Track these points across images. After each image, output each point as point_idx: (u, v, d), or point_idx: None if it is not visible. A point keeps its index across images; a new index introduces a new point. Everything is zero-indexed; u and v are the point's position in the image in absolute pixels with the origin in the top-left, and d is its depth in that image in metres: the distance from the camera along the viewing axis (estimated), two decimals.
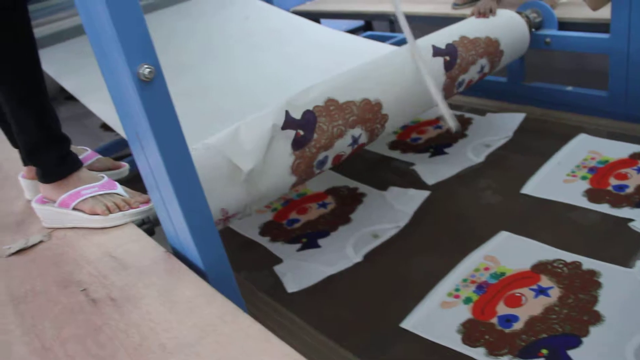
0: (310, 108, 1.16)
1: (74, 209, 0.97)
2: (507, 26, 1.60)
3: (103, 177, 1.02)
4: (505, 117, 1.70)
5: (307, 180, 1.21)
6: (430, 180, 1.47)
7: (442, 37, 1.45)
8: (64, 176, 0.98)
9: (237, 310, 0.70)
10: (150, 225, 1.00)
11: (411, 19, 2.14)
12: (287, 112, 1.13)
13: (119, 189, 1.01)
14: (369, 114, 1.22)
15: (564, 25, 1.73)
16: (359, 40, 1.82)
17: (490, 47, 1.51)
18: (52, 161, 0.97)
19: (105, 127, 2.20)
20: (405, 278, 1.17)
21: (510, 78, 1.84)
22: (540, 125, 1.64)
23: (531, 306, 1.02)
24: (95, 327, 0.74)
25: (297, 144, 1.12)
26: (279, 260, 1.30)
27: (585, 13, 1.66)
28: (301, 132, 1.13)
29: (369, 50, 1.71)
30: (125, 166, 1.22)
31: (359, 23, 2.87)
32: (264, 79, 1.59)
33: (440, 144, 1.63)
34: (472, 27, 1.53)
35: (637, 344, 0.89)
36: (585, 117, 1.62)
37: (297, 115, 1.14)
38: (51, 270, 0.90)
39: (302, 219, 1.41)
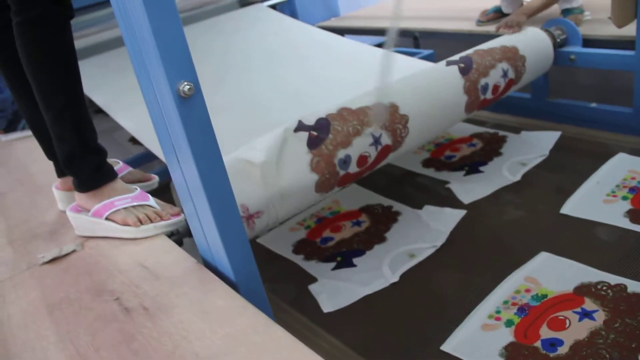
0: (323, 115, 1.20)
1: (107, 219, 1.00)
2: (531, 42, 1.61)
3: (136, 189, 1.05)
4: (540, 135, 1.67)
5: (337, 186, 1.21)
6: (466, 199, 1.44)
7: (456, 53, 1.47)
8: (99, 186, 1.01)
9: (268, 321, 0.71)
10: (179, 237, 1.02)
11: (436, 35, 2.18)
12: (299, 121, 1.17)
13: (151, 201, 1.03)
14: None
15: (588, 42, 1.73)
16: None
17: (509, 53, 1.52)
18: (89, 171, 1.00)
19: (134, 141, 2.24)
20: (443, 299, 1.14)
21: (535, 94, 1.84)
22: (575, 144, 1.61)
23: (576, 330, 0.97)
24: (128, 335, 0.75)
25: (312, 143, 1.14)
26: (313, 279, 1.28)
27: (610, 30, 1.66)
28: (315, 133, 1.15)
29: (398, 64, 1.73)
30: (155, 178, 1.24)
31: (383, 39, 2.89)
32: (287, 95, 1.61)
33: (475, 162, 1.61)
34: (489, 43, 1.55)
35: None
36: (621, 136, 1.59)
37: (310, 122, 1.18)
38: (84, 279, 0.92)
39: (336, 237, 1.40)
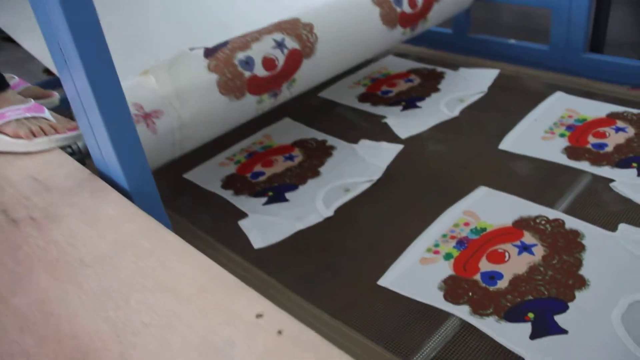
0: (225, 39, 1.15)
1: None
2: None
3: (30, 100, 0.98)
4: (479, 72, 1.65)
5: (251, 92, 1.13)
6: (403, 133, 1.39)
7: None
8: None
9: (158, 226, 0.69)
10: (80, 156, 0.97)
11: None
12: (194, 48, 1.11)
13: (47, 113, 0.97)
14: (288, 25, 1.20)
15: None
16: None
17: None
18: None
19: (49, 72, 2.09)
20: (381, 234, 1.10)
21: (456, 30, 1.85)
22: (512, 82, 1.60)
23: (515, 264, 0.96)
24: (13, 245, 0.71)
25: (208, 53, 1.09)
26: (243, 215, 1.20)
27: None
28: (210, 47, 1.11)
29: None
30: (55, 95, 1.17)
31: None
32: (206, 18, 1.54)
33: (412, 97, 1.57)
34: None
35: (623, 308, 0.86)
36: (560, 75, 1.59)
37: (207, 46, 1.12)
38: None
39: (267, 172, 1.32)
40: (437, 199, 1.14)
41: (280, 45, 1.16)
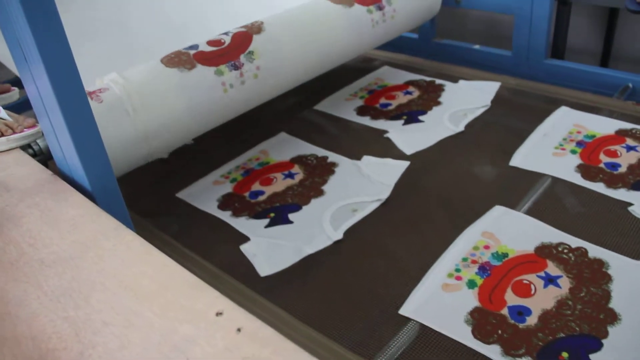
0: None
1: None
2: None
3: None
4: (479, 85, 1.60)
5: (200, 61, 1.13)
6: (408, 149, 1.33)
7: None
8: None
9: (120, 227, 0.69)
10: (42, 157, 0.96)
11: None
12: None
13: (2, 112, 0.94)
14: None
15: None
16: None
17: None
18: None
19: None
20: (395, 257, 1.03)
21: (422, 35, 1.87)
22: (513, 95, 1.56)
23: (542, 297, 0.91)
24: None
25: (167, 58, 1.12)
26: (244, 238, 1.10)
27: None
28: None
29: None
30: (13, 90, 1.15)
31: None
32: (165, 24, 1.54)
33: (413, 111, 1.50)
34: None
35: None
36: (565, 90, 1.54)
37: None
38: None
39: (267, 191, 1.24)
40: (452, 219, 1.10)
41: (225, 33, 1.18)
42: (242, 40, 1.19)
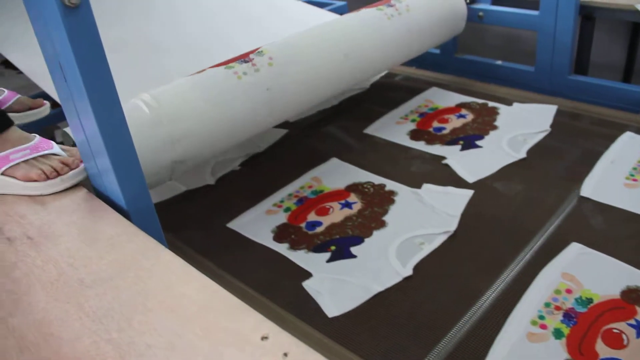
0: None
1: (3, 174, 0.87)
2: (450, 15, 1.63)
3: (35, 137, 0.91)
4: (535, 108, 1.55)
5: None
6: (470, 177, 1.27)
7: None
8: None
9: (158, 246, 0.69)
10: None
11: None
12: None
13: (55, 147, 0.90)
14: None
15: (497, 0, 1.78)
16: (299, 4, 1.82)
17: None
18: None
19: (7, 64, 1.93)
20: (470, 296, 0.96)
21: (443, 50, 1.88)
22: (571, 119, 1.50)
23: (636, 348, 0.87)
24: (9, 264, 0.71)
25: None
26: (305, 274, 1.04)
27: None
28: None
29: (311, 17, 1.72)
30: (46, 104, 1.15)
31: None
32: (212, 38, 1.56)
33: (469, 135, 1.44)
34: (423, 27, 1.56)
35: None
36: (629, 115, 1.47)
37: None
38: None
39: (324, 222, 1.17)
40: (525, 255, 1.04)
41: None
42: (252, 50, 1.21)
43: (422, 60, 1.91)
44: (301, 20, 1.66)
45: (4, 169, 0.86)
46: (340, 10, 2.01)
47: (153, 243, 0.70)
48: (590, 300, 0.94)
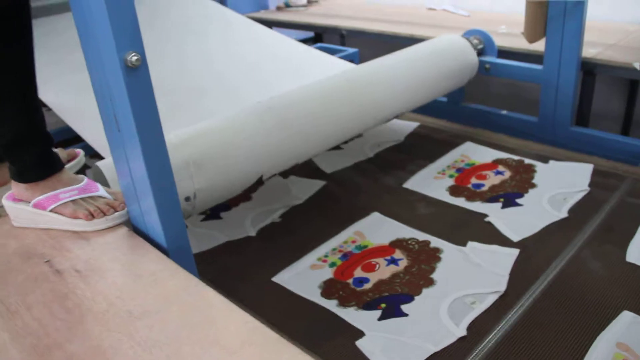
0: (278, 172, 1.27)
1: (52, 211, 0.93)
2: (457, 52, 1.73)
3: (83, 178, 0.98)
4: (571, 166, 1.56)
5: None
6: (514, 236, 1.27)
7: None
8: (43, 177, 0.94)
9: (199, 283, 0.76)
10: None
11: (362, 34, 2.28)
12: (260, 177, 1.21)
13: (101, 190, 0.97)
14: None
15: (502, 53, 1.87)
16: (313, 52, 1.92)
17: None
18: (33, 160, 0.92)
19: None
20: (518, 356, 0.96)
21: (450, 99, 1.97)
22: (608, 178, 1.50)
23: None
24: (61, 295, 0.78)
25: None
26: (356, 332, 1.03)
27: (522, 44, 1.80)
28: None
29: (324, 64, 1.81)
30: (80, 154, 1.21)
31: (309, 34, 2.96)
32: (217, 84, 1.65)
33: (508, 193, 1.46)
34: (437, 81, 1.65)
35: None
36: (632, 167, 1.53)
37: (265, 177, 1.23)
38: (11, 243, 0.92)
39: (371, 278, 1.17)
40: (575, 321, 1.03)
41: None
42: None
43: (428, 108, 1.99)
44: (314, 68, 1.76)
45: (53, 206, 0.93)
46: (352, 57, 2.11)
47: (194, 280, 0.77)
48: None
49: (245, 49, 1.91)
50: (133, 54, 0.72)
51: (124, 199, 0.91)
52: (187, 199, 1.06)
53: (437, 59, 1.66)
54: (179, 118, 1.39)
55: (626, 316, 1.02)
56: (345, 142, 1.79)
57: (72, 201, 0.93)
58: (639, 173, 1.50)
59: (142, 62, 0.73)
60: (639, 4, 2.08)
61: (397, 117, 1.57)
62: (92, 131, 1.33)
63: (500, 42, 1.89)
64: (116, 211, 0.94)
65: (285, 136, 1.23)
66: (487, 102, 1.96)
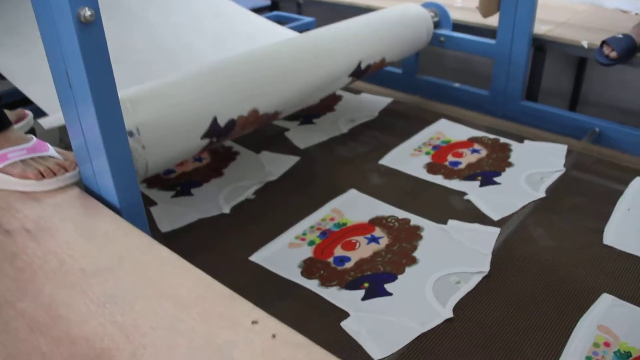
0: (235, 117, 1.18)
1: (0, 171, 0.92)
2: (414, 21, 1.74)
3: (32, 138, 0.96)
4: (546, 147, 1.58)
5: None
6: (494, 215, 1.29)
7: (370, 53, 1.56)
8: None
9: (153, 242, 0.76)
10: None
11: (319, 3, 2.28)
12: (215, 119, 1.13)
13: (51, 150, 0.96)
14: (270, 119, 1.32)
15: (457, 27, 1.90)
16: (264, 22, 1.91)
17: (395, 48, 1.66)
18: None
19: None
20: (514, 344, 0.97)
21: (405, 70, 1.99)
22: (584, 159, 1.53)
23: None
24: (10, 254, 0.77)
25: (208, 146, 1.18)
26: (341, 313, 1.02)
27: (477, 18, 1.83)
28: (215, 140, 1.17)
29: (276, 35, 1.81)
30: (29, 114, 1.19)
31: (265, 2, 2.93)
32: (162, 56, 1.62)
33: (486, 172, 1.47)
34: (393, 43, 1.65)
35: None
36: (632, 158, 1.55)
37: (222, 123, 1.15)
38: None
39: (352, 257, 1.16)
40: (556, 303, 1.05)
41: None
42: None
43: (383, 79, 2.02)
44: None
45: (1, 166, 0.91)
46: (309, 26, 2.11)
47: (148, 239, 0.77)
48: (629, 354, 0.95)
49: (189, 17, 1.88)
50: (87, 9, 0.71)
51: (76, 158, 0.90)
52: (131, 133, 1.00)
53: (393, 18, 1.68)
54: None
55: (605, 299, 1.05)
56: (318, 117, 1.78)
57: (22, 161, 0.92)
58: (584, 147, 1.56)
59: (96, 18, 0.72)
60: None
61: (356, 77, 1.55)
62: (42, 93, 1.30)
63: (455, 15, 1.91)
64: (67, 171, 0.93)
65: (236, 75, 1.21)
66: (441, 75, 1.99)
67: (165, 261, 0.73)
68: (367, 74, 1.60)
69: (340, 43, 1.48)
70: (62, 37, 0.75)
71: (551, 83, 2.08)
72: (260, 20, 1.91)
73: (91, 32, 0.73)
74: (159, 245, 0.76)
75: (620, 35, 1.59)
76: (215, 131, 1.15)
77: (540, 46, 1.80)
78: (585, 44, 1.69)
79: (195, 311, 0.64)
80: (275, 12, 2.39)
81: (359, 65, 1.51)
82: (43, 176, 0.91)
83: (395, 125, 1.75)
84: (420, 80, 1.97)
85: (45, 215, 0.85)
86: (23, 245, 0.78)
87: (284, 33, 1.83)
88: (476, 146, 1.60)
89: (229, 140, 1.25)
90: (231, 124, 1.18)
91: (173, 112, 1.08)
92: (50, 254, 0.76)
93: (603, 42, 1.60)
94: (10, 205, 0.88)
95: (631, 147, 1.56)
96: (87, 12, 0.71)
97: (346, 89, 1.96)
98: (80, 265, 0.73)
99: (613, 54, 1.58)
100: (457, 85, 1.89)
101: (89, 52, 0.74)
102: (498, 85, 1.77)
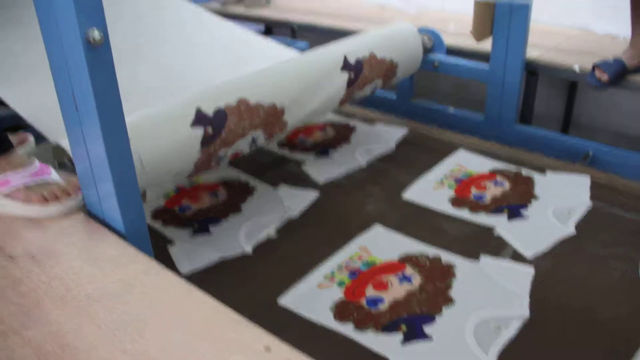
0: (222, 106, 1.16)
1: (3, 196, 0.91)
2: (406, 48, 1.74)
3: (35, 161, 0.95)
4: (568, 178, 1.54)
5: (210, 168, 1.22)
6: (526, 251, 1.24)
7: (355, 48, 1.54)
8: None
9: (159, 266, 0.76)
10: None
11: (313, 29, 2.30)
12: (198, 109, 1.12)
13: (53, 174, 0.95)
14: (272, 118, 1.27)
15: (451, 51, 1.92)
16: (265, 42, 1.92)
17: (390, 71, 1.65)
18: None
19: None
20: None
21: (400, 95, 2.00)
22: (607, 191, 1.48)
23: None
24: (14, 279, 0.76)
25: (206, 141, 1.12)
26: (380, 359, 0.97)
27: (470, 43, 1.85)
28: (210, 131, 1.13)
29: (275, 53, 1.82)
30: (30, 138, 1.18)
31: (259, 28, 2.95)
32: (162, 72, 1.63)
33: (512, 205, 1.42)
34: (381, 42, 1.65)
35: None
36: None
37: (208, 112, 1.13)
38: None
39: (386, 298, 1.11)
40: (605, 348, 1.00)
41: (254, 142, 1.29)
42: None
43: (378, 103, 2.03)
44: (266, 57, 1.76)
45: (5, 191, 0.90)
46: (302, 49, 2.12)
47: (155, 264, 0.76)
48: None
49: (197, 42, 1.89)
50: (96, 31, 0.71)
51: (80, 182, 0.89)
52: None
53: (385, 40, 1.68)
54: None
55: None
56: (334, 148, 1.73)
57: (26, 187, 0.91)
58: (583, 171, 1.56)
59: (105, 40, 0.72)
60: (579, 11, 2.18)
61: (351, 71, 1.52)
62: (41, 117, 1.29)
63: (449, 41, 1.93)
64: (70, 196, 0.92)
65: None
66: (435, 99, 2.00)
67: (173, 286, 0.72)
68: (363, 74, 1.56)
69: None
70: (69, 59, 0.75)
71: (543, 107, 2.11)
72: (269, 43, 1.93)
73: (100, 54, 0.73)
74: (167, 270, 0.75)
75: (611, 60, 1.62)
76: (205, 119, 1.12)
77: (533, 70, 1.82)
78: (576, 67, 1.71)
79: (207, 337, 0.63)
80: (271, 37, 2.41)
81: (346, 58, 1.49)
82: (47, 201, 0.90)
83: (413, 156, 1.69)
84: (414, 105, 1.98)
85: (49, 240, 0.84)
86: (27, 270, 0.77)
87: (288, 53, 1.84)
88: (499, 178, 1.55)
89: (238, 135, 1.21)
90: (221, 113, 1.15)
91: (157, 107, 1.10)
92: (56, 279, 0.75)
93: (595, 66, 1.63)
94: (14, 230, 0.87)
95: (624, 169, 1.57)
96: (96, 34, 0.71)
97: (361, 119, 1.95)
98: (86, 291, 0.72)
99: (604, 78, 1.61)
100: (452, 110, 1.90)
101: (97, 74, 0.73)
102: (492, 110, 1.78)
